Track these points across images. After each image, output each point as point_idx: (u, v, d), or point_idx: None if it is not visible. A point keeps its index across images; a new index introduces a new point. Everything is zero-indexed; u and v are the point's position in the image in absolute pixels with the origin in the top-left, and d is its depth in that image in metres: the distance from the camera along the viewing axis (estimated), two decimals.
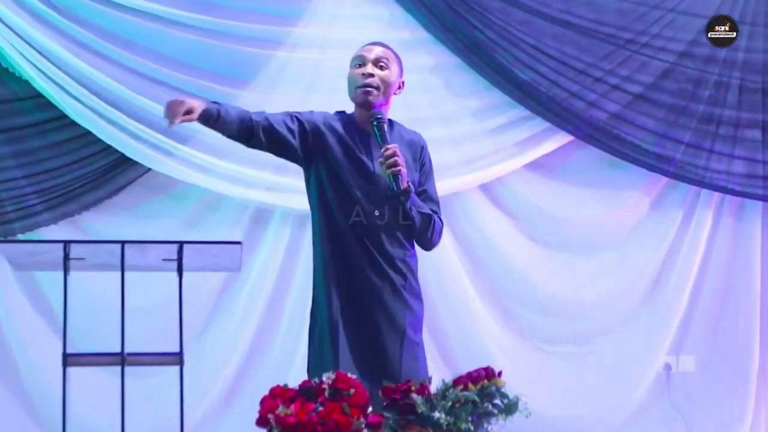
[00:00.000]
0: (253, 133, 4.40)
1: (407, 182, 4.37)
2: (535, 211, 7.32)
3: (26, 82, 6.58)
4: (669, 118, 7.34)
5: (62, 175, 6.69)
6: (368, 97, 4.49)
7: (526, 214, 7.33)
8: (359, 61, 4.55)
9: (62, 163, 6.69)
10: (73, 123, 6.61)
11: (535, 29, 7.18)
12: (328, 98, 6.90)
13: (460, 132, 7.11)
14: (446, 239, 7.13)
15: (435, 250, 7.01)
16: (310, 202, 4.61)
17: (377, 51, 4.58)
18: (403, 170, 4.34)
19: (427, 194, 4.67)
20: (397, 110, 6.93)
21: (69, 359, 3.71)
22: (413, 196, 4.49)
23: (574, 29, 7.24)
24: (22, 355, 6.65)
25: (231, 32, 6.79)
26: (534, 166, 7.30)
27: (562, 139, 7.26)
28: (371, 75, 4.50)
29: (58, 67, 6.54)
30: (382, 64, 4.54)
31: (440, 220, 4.69)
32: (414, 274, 4.67)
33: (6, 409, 6.59)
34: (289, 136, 4.46)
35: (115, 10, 6.66)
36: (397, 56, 4.67)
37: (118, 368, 3.70)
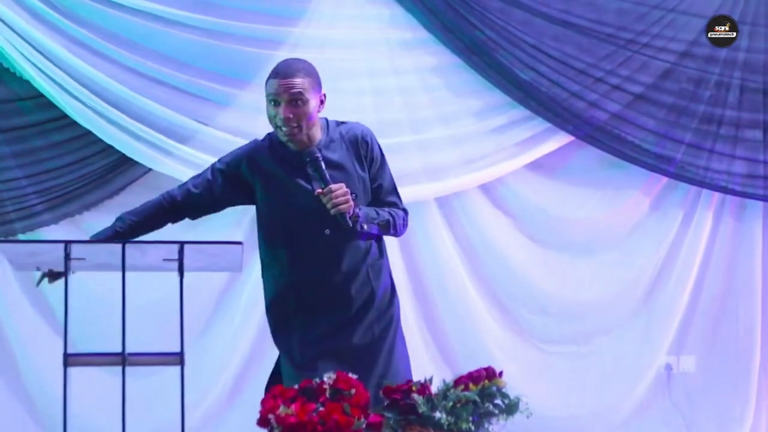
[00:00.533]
0: (171, 214, 4.53)
1: (356, 213, 4.29)
2: (535, 211, 7.32)
3: (27, 82, 6.58)
4: (670, 119, 7.34)
5: (63, 175, 6.69)
6: (294, 138, 4.34)
7: (527, 214, 7.33)
8: (274, 99, 4.30)
9: (63, 163, 6.70)
10: (74, 123, 6.61)
11: (536, 29, 7.18)
12: (328, 99, 6.92)
13: (461, 132, 7.11)
14: (446, 239, 7.15)
15: (435, 250, 7.05)
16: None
17: (290, 89, 4.28)
18: (350, 206, 4.25)
19: (383, 188, 4.57)
20: (397, 111, 6.96)
21: (70, 359, 3.70)
22: (363, 214, 4.36)
23: (574, 29, 7.24)
24: (23, 355, 6.65)
25: (231, 32, 6.79)
26: (534, 166, 7.30)
27: (562, 139, 7.27)
28: (289, 118, 4.28)
29: (59, 67, 6.55)
30: (298, 101, 4.28)
31: (402, 209, 4.61)
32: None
33: (7, 408, 6.59)
34: (212, 193, 4.52)
35: (115, 10, 6.66)
36: (310, 75, 4.39)
37: (119, 368, 3.70)
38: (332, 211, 4.23)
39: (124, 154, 6.65)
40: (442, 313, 7.11)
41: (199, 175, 4.60)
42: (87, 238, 6.35)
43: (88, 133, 6.62)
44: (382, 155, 4.63)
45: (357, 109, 6.94)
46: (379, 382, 4.13)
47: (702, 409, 7.38)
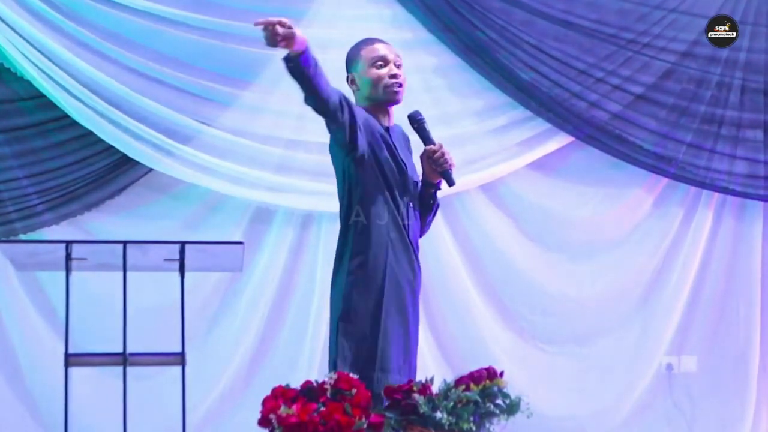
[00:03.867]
0: (339, 108, 4.33)
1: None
2: (536, 212, 7.32)
3: (28, 82, 6.58)
4: (671, 119, 7.34)
5: (64, 175, 6.69)
6: (399, 96, 4.57)
7: (528, 215, 7.33)
8: (381, 61, 4.56)
9: (64, 163, 6.69)
10: (75, 123, 6.61)
11: (537, 29, 7.18)
12: None
13: (462, 132, 7.11)
14: (447, 239, 7.14)
15: (436, 250, 7.05)
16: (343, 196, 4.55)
17: (394, 51, 4.63)
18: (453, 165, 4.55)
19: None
20: (397, 110, 6.96)
21: (71, 359, 3.71)
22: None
23: (575, 29, 7.24)
24: (24, 355, 6.65)
25: (232, 32, 6.78)
26: (535, 166, 7.30)
27: (563, 139, 7.27)
28: (398, 74, 4.56)
29: (60, 67, 6.54)
30: (399, 63, 4.59)
31: None
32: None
33: (8, 409, 6.59)
34: (355, 127, 4.41)
35: (116, 10, 6.66)
36: None
37: (120, 368, 3.71)
38: (440, 170, 4.51)
39: (125, 155, 6.65)
40: (443, 313, 7.11)
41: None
42: (87, 238, 6.41)
43: (89, 133, 6.62)
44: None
45: None
46: None
47: (703, 409, 7.38)
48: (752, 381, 7.44)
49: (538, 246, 7.33)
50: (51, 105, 6.60)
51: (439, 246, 7.11)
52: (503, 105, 7.19)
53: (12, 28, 6.50)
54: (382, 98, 4.55)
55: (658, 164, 7.33)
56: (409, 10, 7.04)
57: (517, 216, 7.32)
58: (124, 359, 3.68)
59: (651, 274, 7.41)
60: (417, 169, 4.63)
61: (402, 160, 4.52)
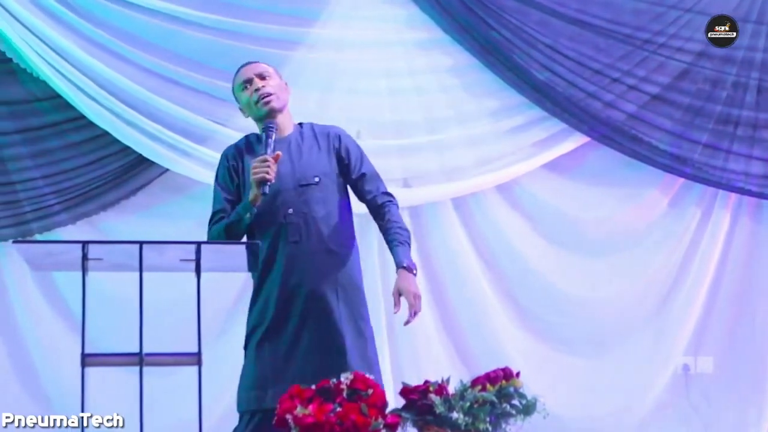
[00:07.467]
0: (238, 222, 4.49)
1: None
2: (551, 212, 7.32)
3: (44, 82, 6.60)
4: (686, 119, 7.33)
5: (80, 176, 6.71)
6: (273, 104, 4.58)
7: (543, 215, 7.32)
8: (244, 84, 4.64)
9: (80, 163, 6.71)
10: (91, 124, 6.63)
11: (552, 29, 7.18)
12: (345, 99, 6.93)
13: (477, 132, 7.11)
14: (463, 240, 7.14)
15: (451, 250, 7.05)
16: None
17: (255, 68, 4.67)
18: (270, 179, 4.37)
19: (367, 175, 4.70)
20: (414, 111, 6.96)
21: (87, 359, 3.71)
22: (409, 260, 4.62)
23: (590, 29, 7.23)
24: (40, 356, 6.67)
25: (248, 33, 6.80)
26: (551, 166, 7.30)
27: (579, 139, 7.26)
28: (263, 86, 4.58)
29: (76, 68, 6.57)
30: (264, 75, 4.63)
31: (389, 193, 4.76)
32: None
33: (24, 409, 6.59)
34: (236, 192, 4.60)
35: (132, 11, 6.67)
36: (270, 65, 4.77)
37: (137, 368, 3.70)
38: (254, 178, 4.36)
39: (140, 155, 6.67)
40: (458, 314, 7.11)
41: (216, 200, 4.65)
42: (103, 238, 6.42)
43: (105, 133, 6.64)
44: (359, 148, 4.76)
45: (373, 109, 6.95)
46: None
47: (719, 410, 7.36)
48: None
49: (553, 246, 7.33)
50: (67, 105, 6.62)
51: (454, 246, 7.12)
52: (519, 105, 7.19)
53: (28, 29, 6.52)
54: (263, 114, 4.59)
55: (673, 164, 7.32)
56: (424, 10, 7.04)
57: (533, 216, 7.32)
58: (140, 359, 3.68)
59: (667, 275, 7.40)
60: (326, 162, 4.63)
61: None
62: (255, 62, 4.71)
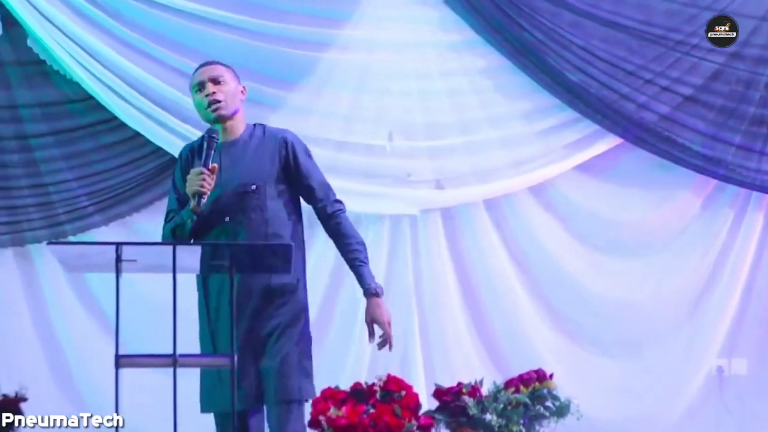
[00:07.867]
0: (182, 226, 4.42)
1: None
2: (584, 213, 7.30)
3: (77, 84, 6.64)
4: (719, 120, 7.30)
5: (113, 177, 6.74)
6: (221, 112, 4.49)
7: (576, 216, 7.31)
8: (198, 86, 4.54)
9: (113, 165, 6.75)
10: (124, 125, 6.66)
11: (585, 31, 7.16)
12: (376, 100, 6.94)
13: (510, 134, 7.11)
14: (495, 241, 7.14)
15: (484, 252, 7.03)
16: None
17: (210, 70, 4.57)
18: (204, 192, 4.30)
19: (317, 183, 4.57)
20: (446, 112, 6.96)
21: (121, 360, 3.71)
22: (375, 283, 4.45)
23: (623, 31, 7.21)
24: (75, 357, 6.70)
25: (279, 34, 6.81)
26: (584, 168, 7.28)
27: (611, 141, 7.24)
28: (214, 92, 4.49)
29: (107, 68, 6.61)
30: (219, 80, 4.52)
31: (339, 201, 4.60)
32: None
33: (58, 410, 6.61)
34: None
35: (163, 12, 6.71)
36: (228, 67, 4.65)
37: (171, 369, 3.71)
38: (190, 191, 4.28)
39: (173, 156, 6.68)
40: (491, 315, 7.10)
41: (170, 200, 4.60)
42: (137, 239, 6.43)
43: (138, 135, 6.67)
44: (309, 154, 4.64)
45: (405, 111, 6.95)
46: None
47: (753, 412, 7.32)
48: None
49: (586, 248, 7.31)
50: (100, 107, 6.65)
51: (486, 248, 7.12)
52: (551, 107, 7.17)
53: (61, 31, 6.55)
54: (212, 119, 4.52)
55: (706, 166, 7.29)
56: (456, 12, 7.03)
57: (566, 218, 7.30)
58: (174, 360, 3.68)
59: (701, 277, 7.37)
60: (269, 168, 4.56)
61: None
62: (212, 64, 4.61)
